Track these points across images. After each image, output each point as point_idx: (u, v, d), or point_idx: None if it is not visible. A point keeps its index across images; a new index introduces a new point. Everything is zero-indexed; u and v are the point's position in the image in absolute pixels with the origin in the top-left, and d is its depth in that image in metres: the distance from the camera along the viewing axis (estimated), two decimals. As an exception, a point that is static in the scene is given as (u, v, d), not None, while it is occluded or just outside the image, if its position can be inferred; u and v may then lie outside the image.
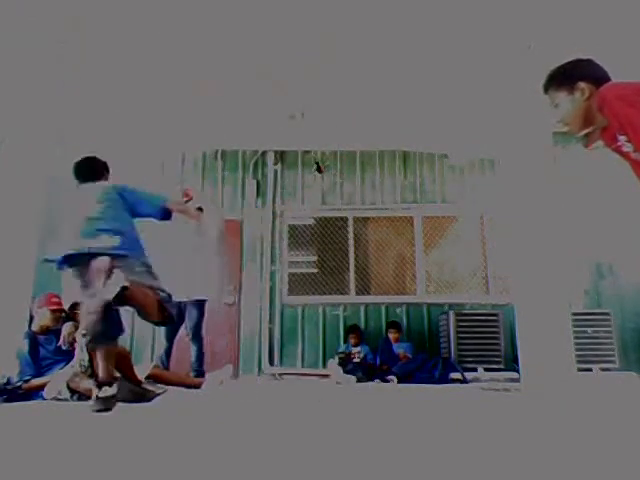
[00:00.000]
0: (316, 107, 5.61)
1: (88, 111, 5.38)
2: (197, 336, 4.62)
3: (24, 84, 4.72)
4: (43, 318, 3.60)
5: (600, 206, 6.20)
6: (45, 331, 3.57)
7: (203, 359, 4.63)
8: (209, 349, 5.48)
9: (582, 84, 1.89)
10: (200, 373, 4.53)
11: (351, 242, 6.54)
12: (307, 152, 6.67)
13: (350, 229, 6.59)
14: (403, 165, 6.76)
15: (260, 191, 6.55)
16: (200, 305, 4.65)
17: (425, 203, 6.63)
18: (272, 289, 6.29)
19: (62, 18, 4.05)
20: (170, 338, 4.55)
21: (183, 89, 5.24)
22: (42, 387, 3.28)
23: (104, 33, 4.29)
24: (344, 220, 6.60)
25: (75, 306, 3.74)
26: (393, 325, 5.90)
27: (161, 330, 4.63)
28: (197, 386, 3.73)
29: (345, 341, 6.01)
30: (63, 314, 3.65)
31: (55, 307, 3.61)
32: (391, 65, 4.85)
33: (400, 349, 5.68)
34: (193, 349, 4.62)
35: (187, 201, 4.49)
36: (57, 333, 3.55)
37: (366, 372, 5.36)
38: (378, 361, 5.66)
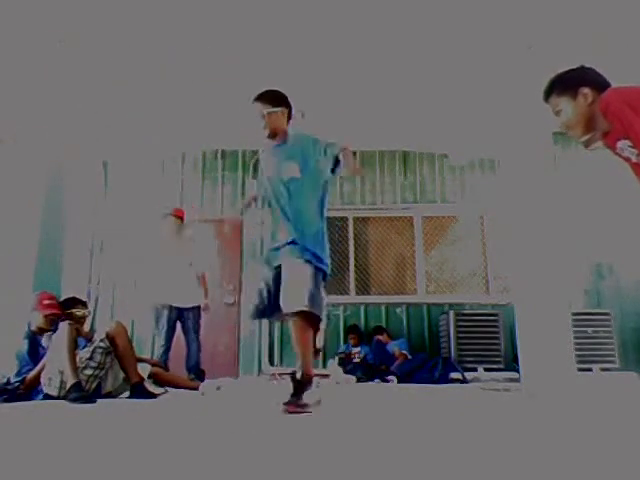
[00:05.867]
0: (316, 107, 5.61)
1: (88, 111, 5.38)
2: (196, 339, 4.79)
3: (24, 84, 4.72)
4: (37, 320, 3.59)
5: (600, 206, 6.20)
6: (42, 332, 3.56)
7: (200, 360, 4.79)
8: (209, 349, 5.51)
9: (585, 89, 1.90)
10: (198, 374, 4.63)
11: (351, 242, 6.54)
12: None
13: (350, 229, 6.59)
14: (403, 165, 6.76)
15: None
16: (197, 310, 4.86)
17: (425, 203, 6.63)
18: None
19: (62, 18, 4.05)
20: (169, 339, 4.63)
21: (183, 89, 5.24)
22: (39, 380, 3.27)
23: (104, 33, 4.29)
24: (344, 220, 6.60)
25: (69, 305, 3.73)
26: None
27: (160, 331, 4.67)
28: (195, 389, 3.74)
29: (345, 341, 6.01)
30: (57, 315, 3.62)
31: (47, 311, 3.57)
32: (391, 65, 4.85)
33: (395, 347, 5.68)
34: (192, 352, 4.75)
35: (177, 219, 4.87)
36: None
37: (366, 372, 5.36)
38: (377, 361, 5.66)
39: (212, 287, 5.29)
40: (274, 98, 2.90)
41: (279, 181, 2.82)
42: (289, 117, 2.94)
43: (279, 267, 2.71)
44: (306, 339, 2.55)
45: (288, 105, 2.92)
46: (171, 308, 4.66)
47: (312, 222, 2.74)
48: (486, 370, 5.38)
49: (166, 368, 4.37)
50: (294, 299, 2.53)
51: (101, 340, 3.37)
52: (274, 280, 2.73)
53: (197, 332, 4.81)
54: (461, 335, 5.53)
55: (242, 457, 1.32)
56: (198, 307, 4.85)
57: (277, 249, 2.76)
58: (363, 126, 6.12)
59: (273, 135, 2.89)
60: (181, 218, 4.91)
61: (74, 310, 3.69)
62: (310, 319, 2.53)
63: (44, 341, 3.50)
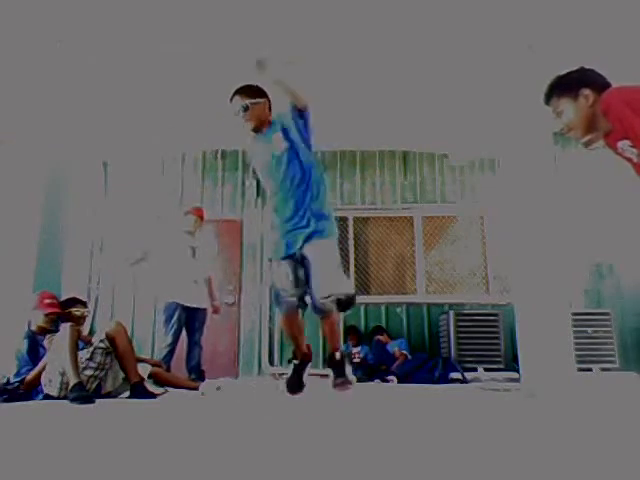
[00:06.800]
0: (316, 107, 5.60)
1: (88, 111, 5.38)
2: (199, 341, 4.80)
3: (24, 84, 4.72)
4: (38, 319, 3.59)
5: (600, 206, 6.20)
6: (43, 332, 3.56)
7: (201, 361, 4.80)
8: (209, 349, 5.51)
9: (586, 90, 1.90)
10: (200, 375, 4.64)
11: (351, 242, 6.54)
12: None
13: (350, 229, 6.59)
14: (403, 165, 6.76)
15: (260, 191, 6.55)
16: (204, 311, 4.87)
17: (425, 203, 6.63)
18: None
19: (62, 18, 4.05)
20: (176, 339, 4.62)
21: (183, 89, 5.24)
22: (39, 380, 3.27)
23: (104, 32, 4.29)
24: (344, 220, 6.60)
25: (69, 305, 3.73)
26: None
27: (168, 329, 4.67)
28: (195, 389, 3.75)
29: (345, 341, 6.01)
30: (58, 314, 3.62)
31: (48, 310, 3.58)
32: (391, 65, 4.85)
33: (395, 347, 5.68)
34: (195, 353, 4.75)
35: (198, 218, 4.89)
36: (57, 332, 3.53)
37: (366, 372, 5.36)
38: (377, 361, 5.66)
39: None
40: (255, 90, 2.90)
41: (273, 161, 2.86)
42: (270, 109, 2.96)
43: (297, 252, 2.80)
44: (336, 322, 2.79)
45: (268, 97, 2.94)
46: (183, 307, 4.65)
47: (310, 184, 2.84)
48: (486, 370, 5.38)
49: (168, 368, 4.37)
50: (330, 284, 2.66)
51: (101, 340, 3.37)
52: (299, 266, 2.83)
53: (201, 334, 4.82)
54: (461, 335, 5.52)
55: (242, 457, 1.32)
56: (205, 309, 4.86)
57: (291, 231, 2.81)
58: (363, 126, 6.12)
59: (259, 127, 2.90)
60: (201, 217, 4.92)
61: (73, 309, 3.69)
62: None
63: (45, 341, 3.50)
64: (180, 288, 4.68)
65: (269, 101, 2.94)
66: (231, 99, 2.88)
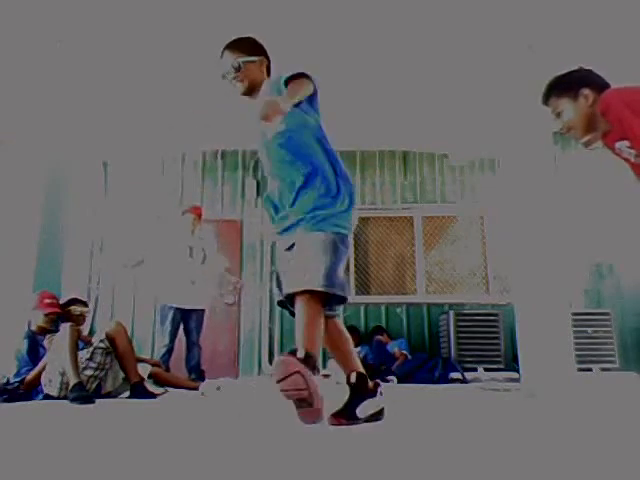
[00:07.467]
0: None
1: (88, 111, 5.38)
2: (197, 342, 4.80)
3: (24, 84, 4.72)
4: (38, 319, 3.59)
5: (600, 206, 6.20)
6: (43, 332, 3.56)
7: (201, 361, 4.80)
8: (209, 349, 5.51)
9: (586, 90, 1.90)
10: (199, 374, 4.64)
11: (351, 242, 6.53)
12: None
13: (350, 229, 6.59)
14: (403, 165, 6.76)
15: (260, 191, 6.56)
16: (202, 312, 4.87)
17: (425, 203, 6.63)
18: (272, 289, 6.28)
19: (62, 18, 4.05)
20: (173, 339, 4.62)
21: (183, 89, 5.24)
22: (39, 380, 3.27)
23: (104, 32, 4.29)
24: (344, 220, 6.59)
25: (69, 305, 3.74)
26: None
27: (164, 330, 4.68)
28: (195, 389, 3.75)
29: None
30: (58, 314, 3.63)
31: (48, 310, 3.58)
32: (391, 65, 4.85)
33: (395, 347, 5.68)
34: (193, 353, 4.75)
35: (196, 217, 4.89)
36: (57, 332, 3.53)
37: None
38: (377, 361, 5.66)
39: (212, 287, 5.29)
40: (251, 46, 2.33)
41: (268, 143, 2.25)
42: (268, 71, 2.35)
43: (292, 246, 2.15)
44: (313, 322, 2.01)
45: (267, 56, 2.36)
46: (178, 309, 4.65)
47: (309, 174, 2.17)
48: (486, 370, 5.38)
49: (167, 369, 4.37)
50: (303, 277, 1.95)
51: (101, 340, 3.37)
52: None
53: (199, 334, 4.82)
54: (461, 335, 5.52)
55: (242, 457, 1.32)
56: (202, 310, 4.85)
57: (288, 229, 2.19)
58: (363, 126, 6.12)
59: (250, 90, 2.29)
60: (199, 216, 4.91)
61: (72, 307, 3.69)
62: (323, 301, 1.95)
63: (45, 341, 3.50)
64: (175, 289, 4.68)
65: (267, 59, 2.36)
66: (222, 55, 2.31)
